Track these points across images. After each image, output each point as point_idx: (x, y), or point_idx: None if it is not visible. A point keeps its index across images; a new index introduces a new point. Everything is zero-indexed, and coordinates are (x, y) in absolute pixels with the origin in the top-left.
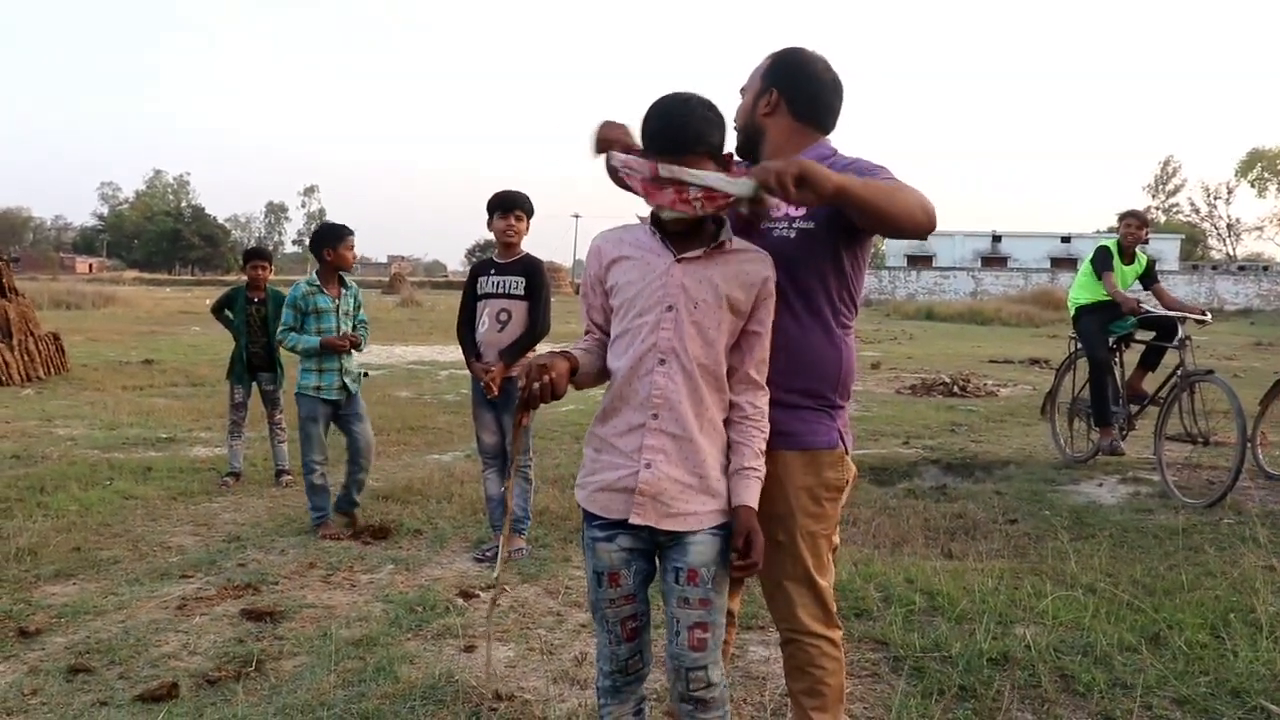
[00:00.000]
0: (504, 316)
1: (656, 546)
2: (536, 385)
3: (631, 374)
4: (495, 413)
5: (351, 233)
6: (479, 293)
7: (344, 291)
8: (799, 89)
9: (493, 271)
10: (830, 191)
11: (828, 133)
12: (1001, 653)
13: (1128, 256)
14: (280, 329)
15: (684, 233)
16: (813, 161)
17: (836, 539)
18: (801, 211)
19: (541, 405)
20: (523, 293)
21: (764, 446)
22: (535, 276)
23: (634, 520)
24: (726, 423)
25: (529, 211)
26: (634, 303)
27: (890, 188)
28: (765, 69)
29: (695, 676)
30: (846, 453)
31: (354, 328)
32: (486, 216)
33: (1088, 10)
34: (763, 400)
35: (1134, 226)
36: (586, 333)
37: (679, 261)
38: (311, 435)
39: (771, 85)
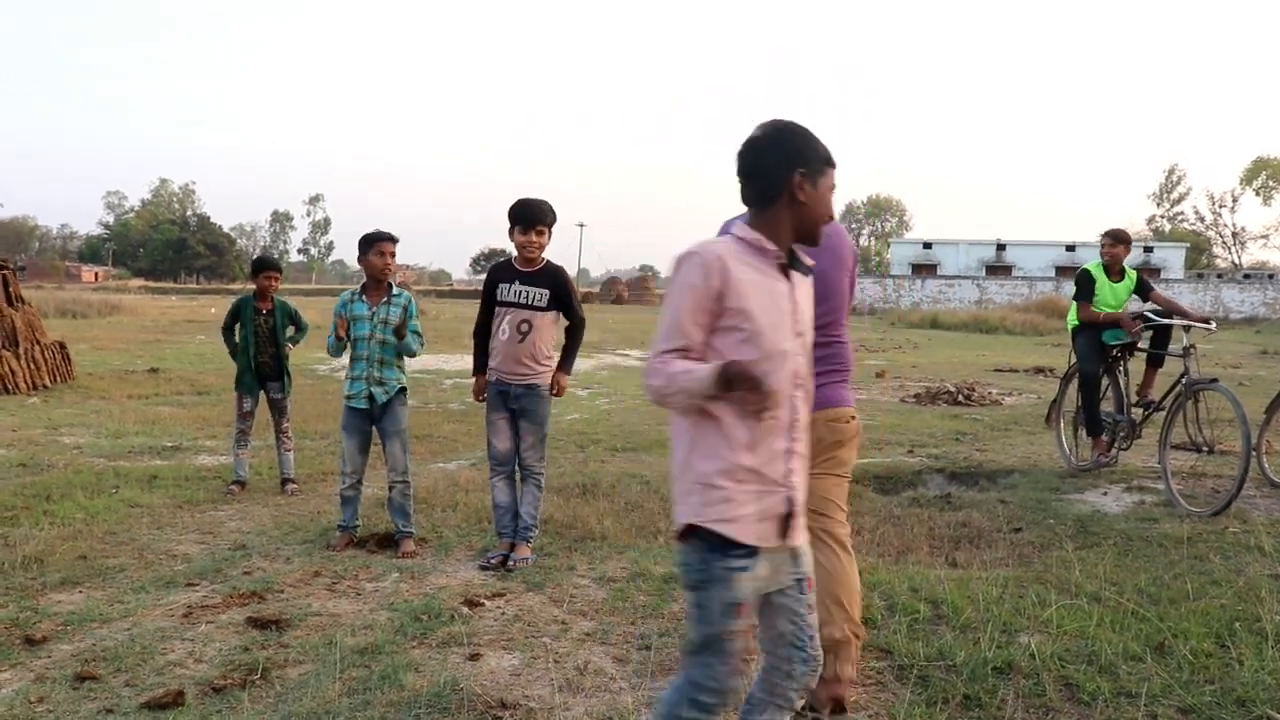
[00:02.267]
0: (524, 327)
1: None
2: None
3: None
4: (510, 418)
5: (378, 239)
6: (498, 299)
7: (388, 300)
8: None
9: (516, 281)
10: None
11: None
12: (1006, 661)
13: (1115, 274)
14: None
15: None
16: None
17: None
18: None
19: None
20: (545, 304)
21: None
22: (562, 285)
23: (796, 543)
24: None
25: (552, 224)
26: (766, 330)
27: None
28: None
29: (815, 670)
30: None
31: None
32: (508, 225)
33: (1091, 16)
34: None
35: (1108, 245)
36: (670, 351)
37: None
38: (344, 445)
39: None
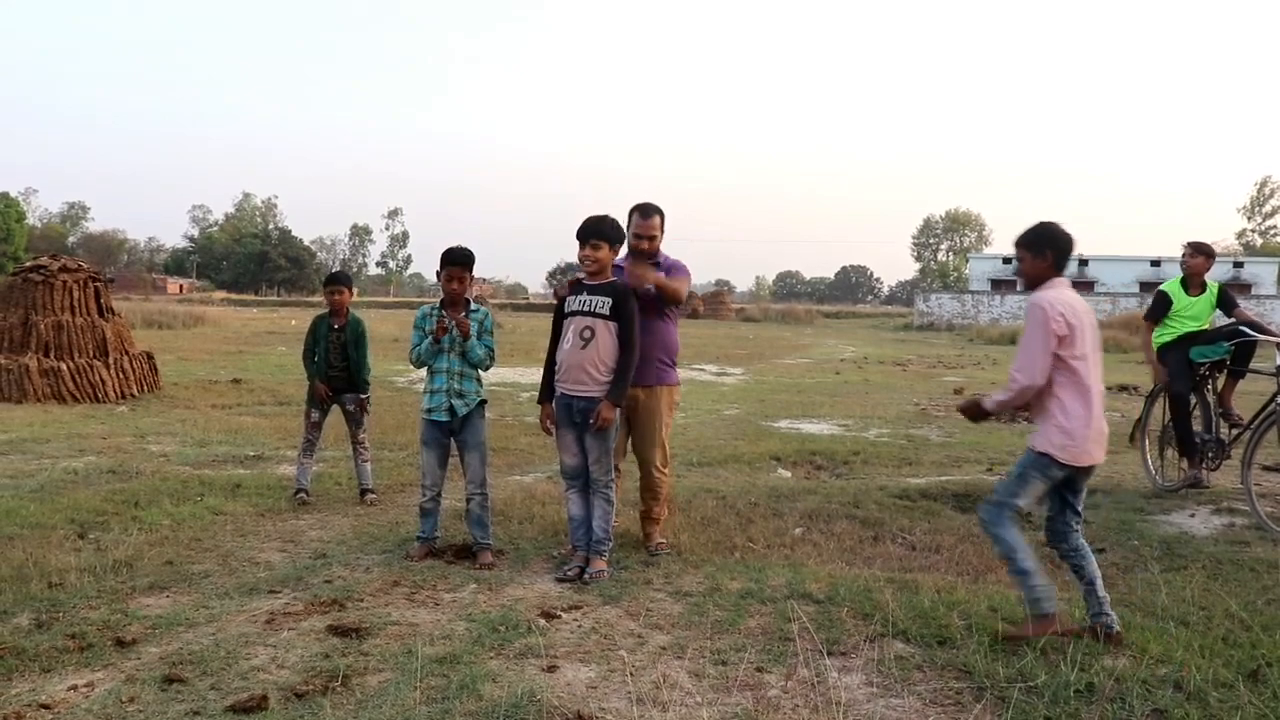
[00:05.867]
0: (587, 334)
1: None
2: None
3: None
4: (577, 434)
5: (446, 263)
6: (565, 311)
7: (466, 315)
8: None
9: (584, 292)
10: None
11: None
12: (1088, 684)
13: (1195, 288)
14: (411, 350)
15: None
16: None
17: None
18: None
19: None
20: (608, 313)
21: None
22: (624, 302)
23: None
24: None
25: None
26: None
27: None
28: (663, 223)
29: None
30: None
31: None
32: (611, 241)
33: (1180, 26)
34: None
35: (1189, 255)
36: None
37: None
38: (422, 458)
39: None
